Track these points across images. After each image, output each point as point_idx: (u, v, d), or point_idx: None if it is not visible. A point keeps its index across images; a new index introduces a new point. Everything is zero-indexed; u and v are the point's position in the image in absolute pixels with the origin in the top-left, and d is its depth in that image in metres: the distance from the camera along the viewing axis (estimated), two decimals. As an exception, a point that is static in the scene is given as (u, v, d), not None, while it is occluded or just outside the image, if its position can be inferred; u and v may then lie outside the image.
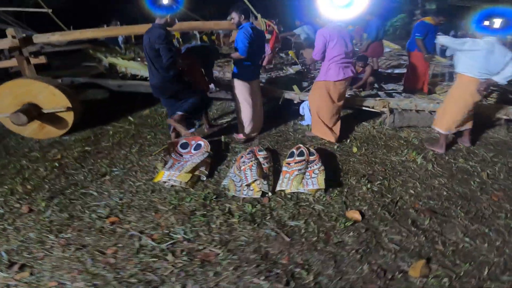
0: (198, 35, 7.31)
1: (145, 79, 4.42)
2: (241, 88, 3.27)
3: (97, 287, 1.76)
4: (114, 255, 1.99)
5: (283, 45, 6.54)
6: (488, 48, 2.73)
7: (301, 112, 4.01)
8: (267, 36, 4.89)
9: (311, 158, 2.74)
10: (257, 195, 2.45)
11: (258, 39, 3.11)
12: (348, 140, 3.50)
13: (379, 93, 4.45)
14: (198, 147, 3.06)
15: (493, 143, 3.42)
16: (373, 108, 3.80)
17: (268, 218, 2.27)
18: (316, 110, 3.40)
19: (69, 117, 3.62)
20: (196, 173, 2.70)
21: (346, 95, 4.12)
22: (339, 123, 3.49)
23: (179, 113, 3.02)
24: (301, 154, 2.78)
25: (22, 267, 1.91)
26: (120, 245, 2.07)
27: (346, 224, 2.19)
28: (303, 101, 3.94)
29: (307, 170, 2.62)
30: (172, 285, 1.76)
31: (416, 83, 4.45)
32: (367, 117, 4.09)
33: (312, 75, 5.30)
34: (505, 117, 3.61)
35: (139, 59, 5.44)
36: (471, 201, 2.46)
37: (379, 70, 5.83)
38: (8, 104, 3.42)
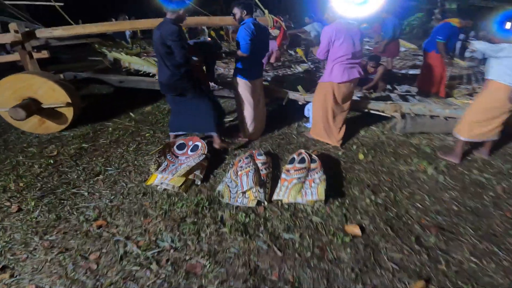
0: (206, 31, 7.19)
1: (148, 74, 4.33)
2: (242, 88, 3.11)
3: (74, 295, 1.68)
4: (96, 261, 1.91)
5: (293, 43, 6.34)
6: None
7: (306, 114, 3.83)
8: (275, 32, 4.73)
9: (313, 165, 2.58)
10: (252, 204, 2.32)
11: (261, 36, 2.92)
12: (355, 146, 3.31)
13: (391, 95, 4.21)
14: (195, 148, 2.94)
15: (512, 154, 3.17)
16: (383, 112, 3.59)
17: (261, 229, 2.13)
18: (319, 112, 3.23)
19: (69, 113, 3.57)
20: (190, 177, 2.58)
21: (355, 97, 3.93)
22: (344, 127, 3.30)
23: (214, 135, 3.01)
24: (302, 161, 2.62)
25: (3, 269, 1.85)
26: (104, 250, 1.98)
27: (344, 239, 2.04)
28: (308, 102, 3.77)
29: (307, 178, 2.47)
30: (153, 297, 1.66)
31: (431, 86, 4.18)
32: (376, 120, 3.88)
33: (321, 74, 5.09)
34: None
35: (145, 54, 5.36)
36: (483, 217, 2.27)
37: (393, 70, 5.57)
38: (8, 98, 3.39)
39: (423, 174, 2.79)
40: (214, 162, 2.95)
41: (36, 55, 3.90)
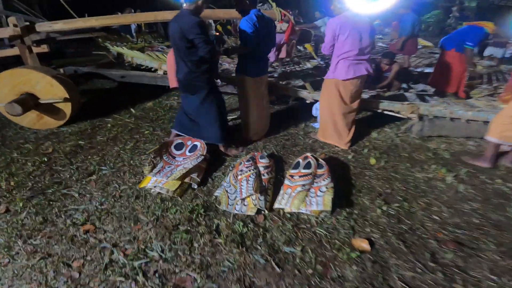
0: (213, 24, 7.00)
1: (150, 69, 4.19)
2: (246, 85, 2.91)
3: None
4: (79, 269, 1.77)
5: (303, 38, 6.08)
6: None
7: (314, 113, 3.60)
8: (283, 26, 4.50)
9: (319, 171, 2.37)
10: (251, 212, 2.13)
11: (265, 29, 2.70)
12: (366, 150, 3.07)
13: (407, 94, 3.93)
14: (193, 148, 2.77)
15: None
16: (398, 113, 3.33)
17: (259, 241, 1.94)
18: (326, 111, 3.00)
19: (67, 108, 3.46)
20: (187, 180, 2.40)
21: (367, 96, 3.68)
22: (353, 128, 3.07)
23: (220, 144, 2.89)
24: (307, 166, 2.41)
25: (-17, 274, 1.74)
26: (88, 258, 1.84)
27: (350, 254, 1.83)
28: (317, 101, 3.54)
29: (313, 186, 2.26)
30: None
31: (448, 85, 3.88)
32: (390, 121, 3.62)
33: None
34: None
35: (149, 48, 5.23)
36: (506, 231, 2.04)
37: (410, 68, 5.26)
38: (6, 93, 3.30)
39: (441, 183, 2.54)
40: (213, 164, 2.77)
41: (36, 50, 3.79)
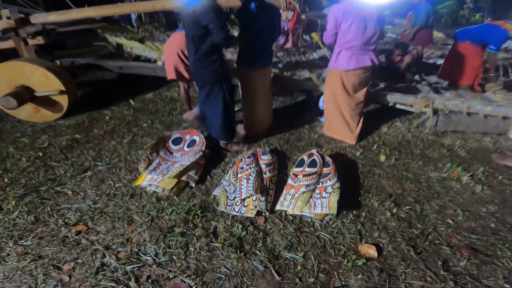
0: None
1: (149, 60, 4.04)
2: (246, 77, 2.75)
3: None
4: (70, 273, 1.69)
5: (309, 27, 5.81)
6: None
7: (320, 106, 3.42)
8: (288, 14, 4.27)
9: (325, 170, 2.22)
10: (251, 213, 2.00)
11: (266, 16, 2.50)
12: (375, 145, 2.90)
13: (419, 86, 3.70)
14: (192, 143, 2.64)
15: None
16: (411, 106, 3.12)
17: (259, 245, 1.82)
18: (330, 103, 2.83)
19: (64, 101, 3.35)
20: (184, 178, 2.28)
21: (377, 88, 3.48)
22: (361, 121, 2.89)
23: (221, 141, 2.76)
24: (313, 163, 2.26)
25: (-28, 276, 1.67)
26: (79, 261, 1.76)
27: (356, 262, 1.71)
28: (323, 93, 3.35)
29: (318, 186, 2.11)
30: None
31: (461, 78, 3.64)
32: (402, 115, 3.43)
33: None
34: None
35: (150, 39, 5.05)
36: (524, 237, 1.87)
37: (423, 60, 5.00)
38: (2, 87, 3.20)
39: (457, 183, 2.37)
40: (213, 159, 2.64)
41: (31, 42, 3.67)
